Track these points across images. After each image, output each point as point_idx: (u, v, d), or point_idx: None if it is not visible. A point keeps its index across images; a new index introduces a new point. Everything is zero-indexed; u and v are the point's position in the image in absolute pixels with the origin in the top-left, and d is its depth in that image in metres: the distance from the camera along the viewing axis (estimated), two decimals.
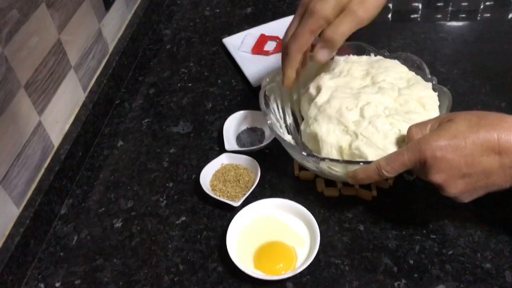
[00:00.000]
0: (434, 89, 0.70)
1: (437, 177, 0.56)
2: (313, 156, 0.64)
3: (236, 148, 0.79)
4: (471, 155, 0.54)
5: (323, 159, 0.64)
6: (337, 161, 0.63)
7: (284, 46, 0.69)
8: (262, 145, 0.78)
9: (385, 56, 0.77)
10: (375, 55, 0.78)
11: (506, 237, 0.65)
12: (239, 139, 0.82)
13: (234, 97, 0.91)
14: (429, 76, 0.71)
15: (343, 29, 0.63)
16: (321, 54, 0.66)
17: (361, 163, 0.61)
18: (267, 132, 0.81)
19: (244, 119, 0.83)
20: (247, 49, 1.00)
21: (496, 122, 0.54)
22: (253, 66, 0.95)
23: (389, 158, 0.58)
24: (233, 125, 0.83)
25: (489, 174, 0.55)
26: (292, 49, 0.66)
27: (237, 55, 0.98)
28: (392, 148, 0.63)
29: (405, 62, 0.75)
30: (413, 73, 0.73)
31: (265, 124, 0.81)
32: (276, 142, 0.71)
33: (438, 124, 0.57)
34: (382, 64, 0.73)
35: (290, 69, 0.68)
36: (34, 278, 0.68)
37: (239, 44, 1.01)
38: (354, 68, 0.74)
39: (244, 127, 0.83)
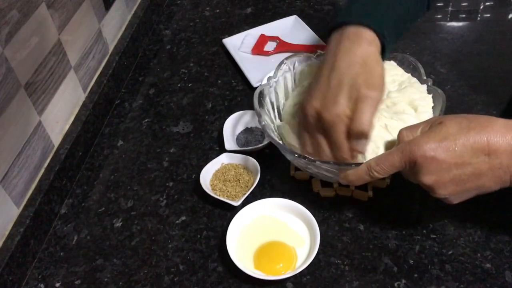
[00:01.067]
0: (429, 91, 0.69)
1: (427, 178, 0.55)
2: (305, 157, 0.64)
3: (236, 148, 0.79)
4: (461, 157, 0.54)
5: (314, 160, 0.63)
6: (327, 162, 0.63)
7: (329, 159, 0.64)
8: (262, 145, 0.78)
9: None
10: None
11: (506, 237, 0.65)
12: (239, 139, 0.82)
13: (234, 97, 0.91)
14: (425, 78, 0.71)
15: (366, 117, 0.60)
16: (361, 147, 0.63)
17: (353, 165, 0.61)
18: None
19: (244, 119, 0.83)
20: (247, 50, 1.00)
21: (486, 125, 0.54)
22: (253, 67, 0.95)
23: (379, 158, 0.58)
24: (233, 125, 0.83)
25: (478, 176, 0.55)
26: (345, 159, 0.63)
27: (237, 56, 0.98)
28: (381, 148, 0.63)
29: (400, 63, 0.74)
30: (409, 75, 0.73)
31: None
32: None
33: (429, 127, 0.57)
34: None
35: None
36: (34, 278, 0.68)
37: (239, 45, 1.01)
38: None
39: (244, 127, 0.83)
